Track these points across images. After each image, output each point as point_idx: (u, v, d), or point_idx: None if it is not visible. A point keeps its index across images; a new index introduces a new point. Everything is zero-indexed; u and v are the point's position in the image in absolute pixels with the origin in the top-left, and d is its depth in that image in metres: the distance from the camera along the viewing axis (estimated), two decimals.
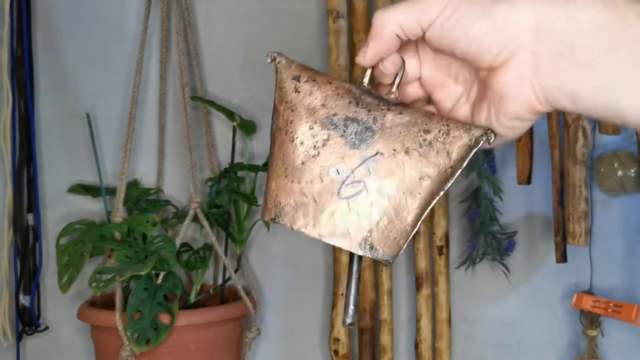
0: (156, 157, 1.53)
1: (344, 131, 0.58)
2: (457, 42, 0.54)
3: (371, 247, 0.57)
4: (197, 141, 1.50)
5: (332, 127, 0.58)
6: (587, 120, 1.27)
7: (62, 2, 1.54)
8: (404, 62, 0.61)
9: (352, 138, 0.58)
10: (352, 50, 1.45)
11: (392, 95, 0.61)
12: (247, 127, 1.47)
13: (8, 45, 1.47)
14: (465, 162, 0.59)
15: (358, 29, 1.44)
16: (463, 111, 0.61)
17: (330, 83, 0.60)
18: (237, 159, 1.47)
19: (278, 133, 0.59)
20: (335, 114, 0.58)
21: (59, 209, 1.53)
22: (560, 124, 1.29)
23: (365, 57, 0.59)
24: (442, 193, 0.59)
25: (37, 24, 1.54)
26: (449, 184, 0.59)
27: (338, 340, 1.44)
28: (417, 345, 1.44)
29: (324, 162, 0.58)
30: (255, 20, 1.54)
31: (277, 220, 0.58)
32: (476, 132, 0.58)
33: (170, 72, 1.53)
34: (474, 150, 0.58)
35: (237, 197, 1.41)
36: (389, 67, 0.60)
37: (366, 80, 0.62)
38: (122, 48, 1.53)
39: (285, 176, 0.58)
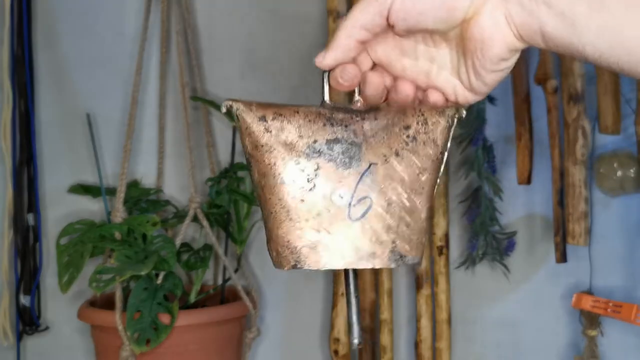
0: (156, 157, 1.53)
1: (331, 155, 0.57)
2: (422, 14, 0.55)
3: (400, 257, 0.57)
4: (197, 141, 1.50)
5: (318, 154, 0.57)
6: (587, 121, 1.27)
7: (62, 2, 1.54)
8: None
9: (341, 159, 0.57)
10: None
11: (358, 104, 0.60)
12: None
13: (8, 45, 1.47)
14: (449, 142, 0.60)
15: None
16: (442, 78, 0.61)
17: (297, 112, 0.58)
18: (237, 159, 1.47)
19: (264, 180, 0.57)
20: (315, 141, 0.57)
21: (59, 209, 1.53)
22: (560, 124, 1.29)
23: (324, 61, 0.58)
24: (439, 179, 0.59)
25: (37, 24, 1.54)
26: (442, 167, 0.60)
27: (338, 340, 1.44)
28: (417, 345, 1.44)
29: (324, 191, 0.56)
30: (256, 21, 1.54)
31: (298, 266, 0.55)
32: (450, 112, 0.59)
33: (170, 72, 1.53)
34: (452, 129, 0.59)
35: (237, 197, 1.41)
36: (347, 77, 0.59)
37: (326, 96, 0.60)
38: (122, 48, 1.53)
39: (290, 219, 0.56)
